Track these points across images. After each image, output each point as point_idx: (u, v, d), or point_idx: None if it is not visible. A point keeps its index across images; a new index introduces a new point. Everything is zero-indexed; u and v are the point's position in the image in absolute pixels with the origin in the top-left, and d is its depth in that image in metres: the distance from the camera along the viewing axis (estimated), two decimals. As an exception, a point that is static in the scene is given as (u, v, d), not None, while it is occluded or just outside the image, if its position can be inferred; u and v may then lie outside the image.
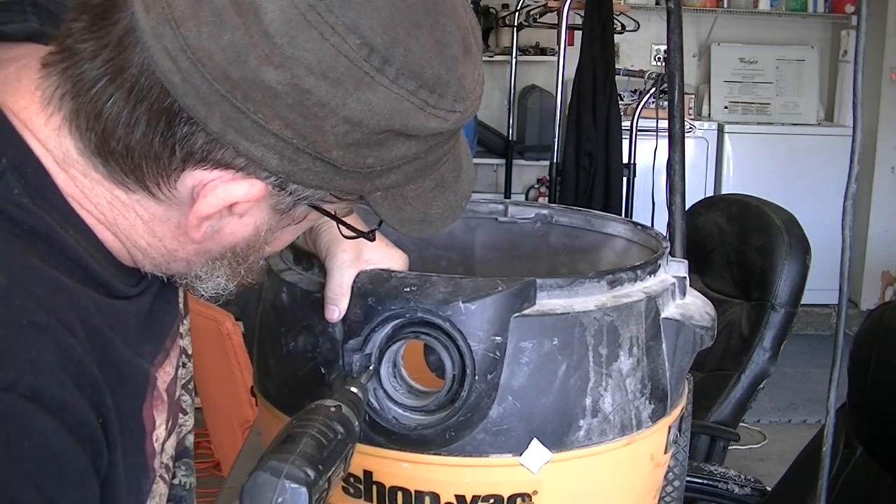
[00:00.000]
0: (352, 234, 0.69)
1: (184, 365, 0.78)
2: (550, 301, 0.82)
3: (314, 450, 0.64)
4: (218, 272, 0.64)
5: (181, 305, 0.79)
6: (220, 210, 0.58)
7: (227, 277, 0.65)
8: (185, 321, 0.80)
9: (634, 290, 0.86)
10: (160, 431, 0.69)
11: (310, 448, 0.64)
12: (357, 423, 0.72)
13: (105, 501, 0.58)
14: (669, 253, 0.97)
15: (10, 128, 0.57)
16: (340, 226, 0.68)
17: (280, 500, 0.60)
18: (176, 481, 0.78)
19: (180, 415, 0.77)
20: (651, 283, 0.89)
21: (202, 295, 0.66)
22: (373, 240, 0.72)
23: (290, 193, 0.59)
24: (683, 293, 0.93)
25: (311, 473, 0.62)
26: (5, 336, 0.51)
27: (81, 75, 0.55)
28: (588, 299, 0.83)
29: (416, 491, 0.83)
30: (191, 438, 0.82)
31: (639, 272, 0.88)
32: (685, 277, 0.93)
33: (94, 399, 0.55)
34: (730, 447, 2.03)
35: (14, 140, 0.57)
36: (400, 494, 0.84)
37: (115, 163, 0.57)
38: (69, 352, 0.54)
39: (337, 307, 0.81)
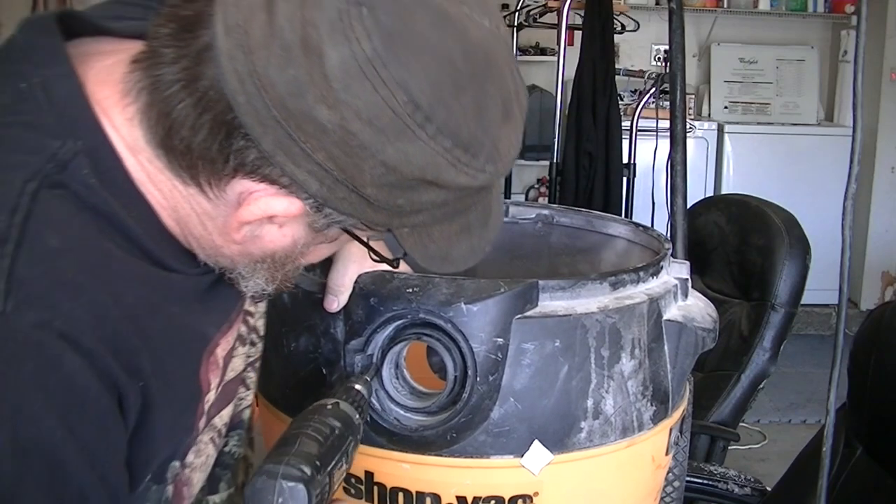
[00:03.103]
0: (377, 258, 0.74)
1: (253, 344, 0.83)
2: (552, 303, 0.82)
3: (310, 448, 0.66)
4: (258, 274, 0.69)
5: None
6: (260, 218, 0.63)
7: (266, 280, 0.70)
8: (258, 304, 0.84)
9: (637, 292, 0.86)
10: (211, 395, 0.74)
11: (305, 446, 0.66)
12: (358, 418, 0.73)
13: (137, 455, 0.63)
14: (671, 254, 0.97)
15: (91, 114, 0.62)
16: (368, 250, 0.72)
17: (280, 500, 0.62)
18: (227, 449, 0.81)
19: (242, 388, 0.81)
20: (653, 285, 0.89)
21: (243, 291, 0.71)
22: (397, 267, 0.77)
23: (325, 216, 0.63)
24: (685, 295, 0.93)
25: (308, 470, 0.64)
26: (45, 289, 0.56)
27: (160, 76, 0.60)
28: (590, 301, 0.83)
29: (417, 492, 0.83)
30: (248, 413, 0.85)
31: (641, 274, 0.88)
32: (687, 279, 0.93)
33: (130, 364, 0.60)
34: (730, 447, 2.03)
35: (92, 125, 0.62)
36: (401, 495, 0.84)
37: (174, 157, 0.62)
38: (103, 316, 0.58)
39: (337, 298, 0.83)
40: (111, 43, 0.67)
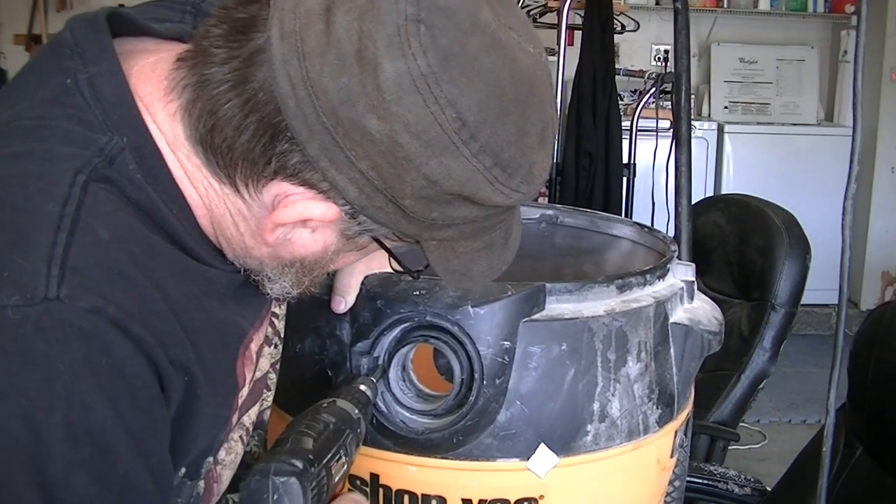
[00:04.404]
0: (400, 269, 0.75)
1: (276, 346, 0.83)
2: (560, 306, 0.82)
3: (303, 443, 0.67)
4: (285, 278, 0.70)
5: None
6: (295, 222, 0.64)
7: (293, 284, 0.71)
8: (282, 306, 0.85)
9: (644, 295, 0.86)
10: (244, 390, 0.75)
11: (297, 443, 0.67)
12: (357, 413, 0.74)
13: (176, 445, 0.64)
14: (676, 256, 0.97)
15: (136, 112, 0.64)
16: (392, 261, 0.73)
17: (276, 496, 0.63)
18: (248, 448, 0.82)
19: (265, 390, 0.82)
20: (660, 288, 0.89)
21: (268, 293, 0.72)
22: (417, 279, 0.77)
23: (359, 224, 0.65)
24: (691, 297, 0.93)
25: (300, 464, 0.65)
26: (97, 278, 0.58)
27: (208, 75, 0.62)
28: (597, 304, 0.83)
29: (422, 494, 0.84)
30: (268, 414, 0.86)
31: (648, 277, 0.88)
32: (693, 281, 0.93)
33: (175, 355, 0.61)
34: (730, 447, 2.03)
35: (136, 123, 0.64)
36: (406, 498, 0.84)
37: (213, 155, 0.63)
38: (152, 306, 0.60)
39: (344, 299, 0.84)
40: (153, 43, 0.69)
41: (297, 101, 0.59)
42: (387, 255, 0.83)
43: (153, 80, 0.65)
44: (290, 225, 0.65)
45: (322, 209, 0.63)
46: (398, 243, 0.69)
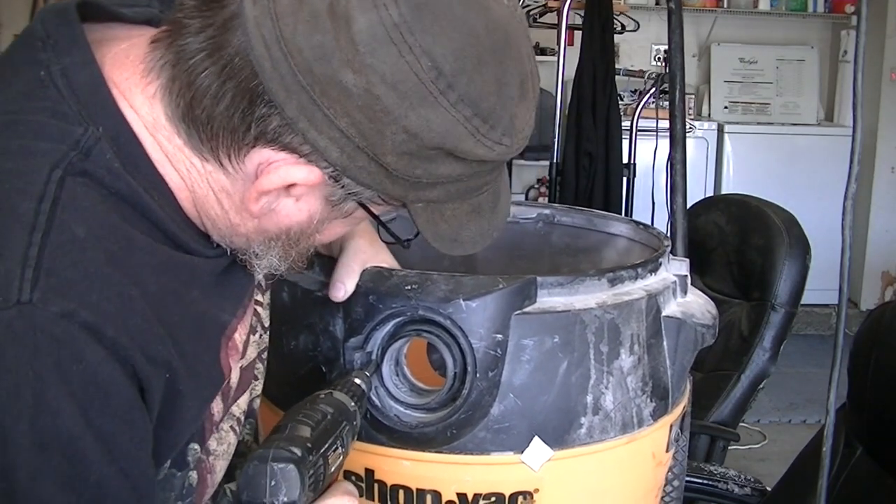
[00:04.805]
0: (390, 238, 0.75)
1: (261, 335, 0.83)
2: (551, 299, 0.82)
3: (301, 431, 0.67)
4: (272, 252, 0.69)
5: None
6: (278, 188, 0.64)
7: (280, 258, 0.70)
8: (265, 295, 0.84)
9: (635, 288, 0.86)
10: (232, 380, 0.75)
11: (296, 431, 0.67)
12: (353, 405, 0.74)
13: (162, 443, 0.64)
14: (671, 252, 0.97)
15: (111, 100, 0.63)
16: (381, 228, 0.72)
17: (273, 483, 0.63)
18: (240, 438, 0.82)
19: (253, 380, 0.82)
20: (652, 282, 0.89)
21: (257, 272, 0.71)
22: (408, 248, 0.77)
23: (343, 187, 0.64)
24: (685, 291, 0.93)
25: (298, 451, 0.65)
26: (73, 278, 0.57)
27: (184, 46, 0.61)
28: (589, 297, 0.83)
29: (417, 489, 0.84)
30: (258, 402, 0.86)
31: (639, 270, 0.88)
32: (686, 276, 0.94)
33: (155, 352, 0.60)
34: (730, 447, 2.03)
35: (112, 111, 0.63)
36: (401, 493, 0.84)
37: (195, 130, 0.63)
38: (130, 304, 0.59)
39: (344, 285, 0.83)
40: (123, 28, 0.68)
41: (272, 62, 0.58)
42: (386, 251, 0.84)
43: (128, 66, 0.64)
44: (275, 193, 0.64)
45: (304, 173, 0.62)
46: (385, 207, 0.68)
